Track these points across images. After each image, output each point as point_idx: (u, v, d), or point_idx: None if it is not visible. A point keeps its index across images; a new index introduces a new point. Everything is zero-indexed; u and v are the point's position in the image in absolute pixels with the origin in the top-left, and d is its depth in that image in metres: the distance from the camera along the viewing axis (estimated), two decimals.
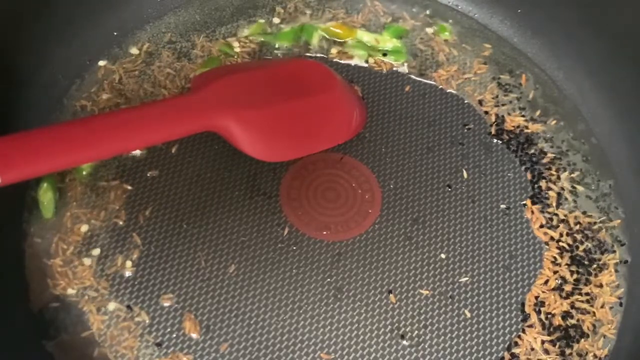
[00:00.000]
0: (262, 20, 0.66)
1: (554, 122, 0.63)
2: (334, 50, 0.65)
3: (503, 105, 0.63)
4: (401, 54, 0.65)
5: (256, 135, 0.51)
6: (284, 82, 0.54)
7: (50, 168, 0.42)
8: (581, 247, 0.56)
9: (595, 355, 0.52)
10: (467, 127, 0.61)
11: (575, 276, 0.55)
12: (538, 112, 0.63)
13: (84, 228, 0.54)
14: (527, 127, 0.62)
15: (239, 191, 0.57)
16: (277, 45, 0.64)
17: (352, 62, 0.64)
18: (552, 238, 0.57)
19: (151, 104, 0.49)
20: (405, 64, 0.64)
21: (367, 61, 0.64)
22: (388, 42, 0.66)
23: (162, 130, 0.47)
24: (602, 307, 0.54)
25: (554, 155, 0.61)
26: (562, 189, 0.59)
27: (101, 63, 0.62)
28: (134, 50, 0.63)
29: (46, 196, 0.54)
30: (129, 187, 0.56)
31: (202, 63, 0.62)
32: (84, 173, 0.56)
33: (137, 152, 0.57)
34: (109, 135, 0.45)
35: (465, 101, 0.63)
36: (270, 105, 0.52)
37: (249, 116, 0.51)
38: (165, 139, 0.47)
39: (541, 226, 0.57)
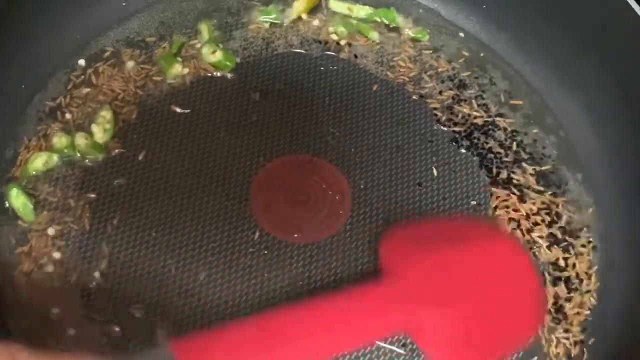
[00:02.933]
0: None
1: (522, 116, 0.63)
2: (316, 22, 0.66)
3: (470, 100, 0.63)
4: (369, 31, 0.66)
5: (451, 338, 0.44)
6: (474, 270, 0.45)
7: None
8: (552, 239, 0.57)
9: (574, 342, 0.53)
10: (435, 124, 0.61)
11: (546, 271, 0.55)
12: (505, 107, 0.63)
13: (51, 235, 0.53)
14: (494, 122, 0.62)
15: (208, 196, 0.56)
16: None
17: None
18: (522, 232, 0.57)
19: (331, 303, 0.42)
20: (372, 61, 0.64)
21: (338, 45, 0.65)
22: (361, 10, 0.67)
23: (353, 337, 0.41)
24: (576, 305, 0.55)
25: (522, 149, 0.61)
26: (531, 182, 0.59)
27: (64, 71, 0.61)
28: (97, 58, 0.62)
29: (19, 201, 0.54)
30: (95, 196, 0.55)
31: (158, 60, 0.62)
32: (34, 173, 0.55)
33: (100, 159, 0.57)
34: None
35: (433, 98, 0.63)
36: (466, 303, 0.44)
37: (448, 315, 0.44)
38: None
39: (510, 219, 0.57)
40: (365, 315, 0.41)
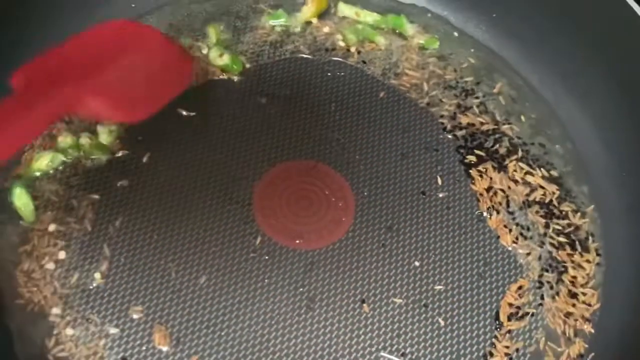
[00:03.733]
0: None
1: (529, 126, 0.62)
2: (325, 28, 0.66)
3: (477, 109, 0.62)
4: (376, 36, 0.66)
5: (106, 98, 0.48)
6: (103, 48, 0.51)
7: None
8: (555, 252, 0.56)
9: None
10: (441, 132, 0.61)
11: (549, 282, 0.55)
12: (513, 117, 0.63)
13: (53, 235, 0.53)
14: (502, 132, 0.61)
15: (211, 200, 0.56)
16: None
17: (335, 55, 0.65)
18: (527, 245, 0.56)
19: None
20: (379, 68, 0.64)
21: (347, 51, 0.65)
22: (369, 16, 0.66)
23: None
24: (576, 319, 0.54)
25: (529, 159, 0.60)
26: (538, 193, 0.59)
27: None
28: None
29: (21, 201, 0.54)
30: (99, 198, 0.55)
31: None
32: (38, 172, 0.56)
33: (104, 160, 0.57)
34: None
35: (439, 106, 0.62)
36: (101, 67, 0.49)
37: (88, 84, 0.48)
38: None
39: (510, 231, 0.57)
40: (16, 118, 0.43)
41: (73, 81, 0.47)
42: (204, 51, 0.63)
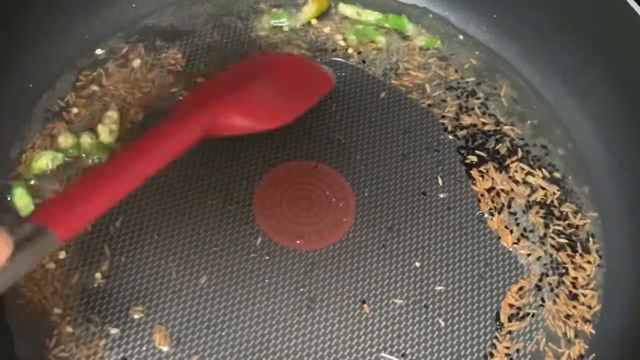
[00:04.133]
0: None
1: (531, 127, 0.62)
2: (326, 29, 0.66)
3: (478, 109, 0.62)
4: (376, 35, 0.66)
5: (247, 111, 0.53)
6: (247, 73, 0.57)
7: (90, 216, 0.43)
8: (555, 254, 0.56)
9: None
10: (442, 133, 0.61)
11: (549, 284, 0.55)
12: (514, 117, 0.63)
13: None
14: (503, 132, 0.61)
15: (212, 200, 0.56)
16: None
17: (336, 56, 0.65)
18: (528, 246, 0.56)
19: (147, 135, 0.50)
20: (380, 69, 0.64)
21: (347, 51, 0.65)
22: (370, 15, 0.67)
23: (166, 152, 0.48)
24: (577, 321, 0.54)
25: (530, 160, 0.60)
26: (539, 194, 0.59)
27: (73, 71, 0.61)
28: (105, 58, 0.62)
29: (22, 201, 0.54)
30: None
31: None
32: (38, 172, 0.56)
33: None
34: (130, 170, 0.46)
35: (440, 107, 0.62)
36: (244, 86, 0.54)
37: (231, 100, 0.53)
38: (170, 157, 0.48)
39: (511, 232, 0.57)
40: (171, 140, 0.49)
41: (216, 101, 0.52)
42: None
